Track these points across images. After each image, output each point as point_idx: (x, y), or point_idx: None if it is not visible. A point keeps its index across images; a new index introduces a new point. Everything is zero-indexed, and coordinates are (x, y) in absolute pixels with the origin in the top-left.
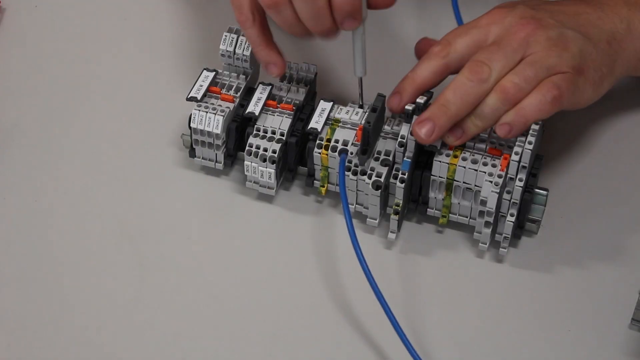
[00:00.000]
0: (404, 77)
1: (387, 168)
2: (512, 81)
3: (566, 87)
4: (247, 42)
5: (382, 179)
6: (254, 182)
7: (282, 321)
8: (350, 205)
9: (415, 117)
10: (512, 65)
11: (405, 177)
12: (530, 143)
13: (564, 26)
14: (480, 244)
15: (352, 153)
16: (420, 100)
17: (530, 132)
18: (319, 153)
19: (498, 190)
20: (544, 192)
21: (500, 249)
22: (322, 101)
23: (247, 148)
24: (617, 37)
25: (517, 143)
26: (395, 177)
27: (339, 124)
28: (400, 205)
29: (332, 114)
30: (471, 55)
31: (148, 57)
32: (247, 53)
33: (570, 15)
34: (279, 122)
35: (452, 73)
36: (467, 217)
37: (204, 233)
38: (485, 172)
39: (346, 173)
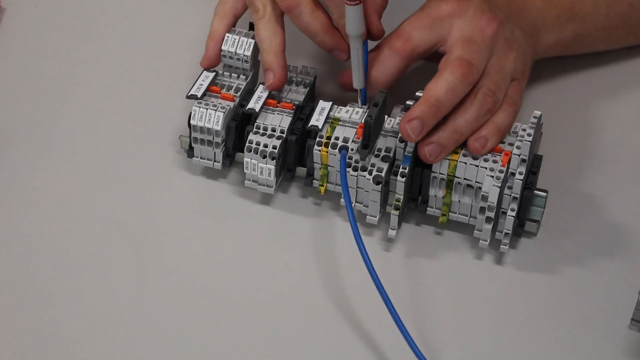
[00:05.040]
0: (372, 64)
1: (387, 164)
2: (491, 90)
3: (519, 98)
4: (247, 43)
5: (382, 174)
6: (253, 181)
7: (282, 323)
8: None
9: None
10: (485, 64)
11: (406, 171)
12: (529, 135)
13: (508, 21)
14: (480, 241)
15: (352, 150)
16: (419, 94)
17: (529, 125)
18: (319, 150)
19: (499, 185)
20: (544, 194)
21: (501, 246)
22: (321, 101)
23: (247, 144)
24: (536, 30)
25: (517, 138)
26: (396, 174)
27: (339, 122)
28: (401, 200)
29: (332, 114)
30: (431, 50)
31: (148, 58)
32: (248, 54)
33: (504, 4)
34: (279, 120)
35: None
36: (467, 216)
37: (203, 235)
38: (486, 168)
39: (346, 169)
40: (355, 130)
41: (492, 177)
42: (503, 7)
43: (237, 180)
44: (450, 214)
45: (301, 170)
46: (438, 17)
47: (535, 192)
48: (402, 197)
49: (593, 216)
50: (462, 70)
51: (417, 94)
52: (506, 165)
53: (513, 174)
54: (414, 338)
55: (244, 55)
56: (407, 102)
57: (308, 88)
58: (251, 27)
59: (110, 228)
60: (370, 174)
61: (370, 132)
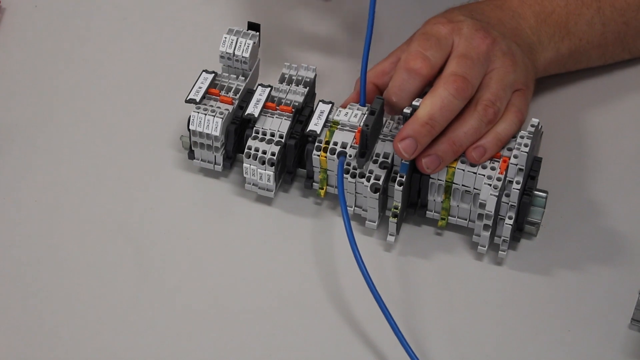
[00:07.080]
0: (390, 91)
1: (385, 171)
2: (491, 101)
3: (525, 107)
4: (246, 44)
5: (380, 182)
6: (253, 185)
7: (280, 323)
8: (349, 208)
9: None
10: (481, 79)
11: (404, 179)
12: (526, 146)
13: (505, 37)
14: (479, 247)
15: (350, 155)
16: (417, 102)
17: (527, 134)
18: (318, 155)
19: (497, 194)
20: (543, 195)
21: (500, 251)
22: (320, 103)
23: (246, 150)
24: (533, 47)
25: (515, 146)
26: (394, 180)
27: (338, 126)
28: (399, 208)
29: (330, 116)
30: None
31: (148, 58)
32: (247, 55)
33: (497, 24)
34: (278, 124)
35: None
36: (466, 220)
37: (203, 235)
38: (484, 175)
39: (345, 175)
40: (354, 134)
41: (490, 185)
42: (496, 26)
43: (238, 179)
44: (449, 217)
45: (302, 171)
46: (442, 36)
47: (535, 192)
48: (400, 204)
49: (593, 217)
50: (456, 85)
51: (414, 102)
52: (504, 173)
53: (511, 182)
54: (412, 339)
55: (243, 57)
56: (405, 111)
57: (308, 87)
58: (249, 26)
59: (110, 227)
60: (368, 181)
61: (367, 141)
